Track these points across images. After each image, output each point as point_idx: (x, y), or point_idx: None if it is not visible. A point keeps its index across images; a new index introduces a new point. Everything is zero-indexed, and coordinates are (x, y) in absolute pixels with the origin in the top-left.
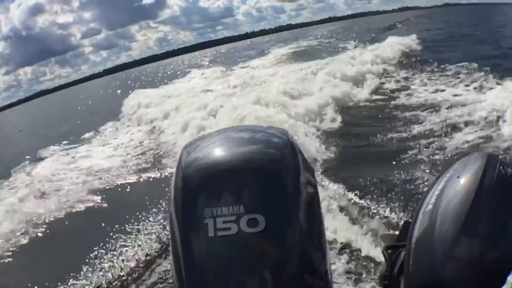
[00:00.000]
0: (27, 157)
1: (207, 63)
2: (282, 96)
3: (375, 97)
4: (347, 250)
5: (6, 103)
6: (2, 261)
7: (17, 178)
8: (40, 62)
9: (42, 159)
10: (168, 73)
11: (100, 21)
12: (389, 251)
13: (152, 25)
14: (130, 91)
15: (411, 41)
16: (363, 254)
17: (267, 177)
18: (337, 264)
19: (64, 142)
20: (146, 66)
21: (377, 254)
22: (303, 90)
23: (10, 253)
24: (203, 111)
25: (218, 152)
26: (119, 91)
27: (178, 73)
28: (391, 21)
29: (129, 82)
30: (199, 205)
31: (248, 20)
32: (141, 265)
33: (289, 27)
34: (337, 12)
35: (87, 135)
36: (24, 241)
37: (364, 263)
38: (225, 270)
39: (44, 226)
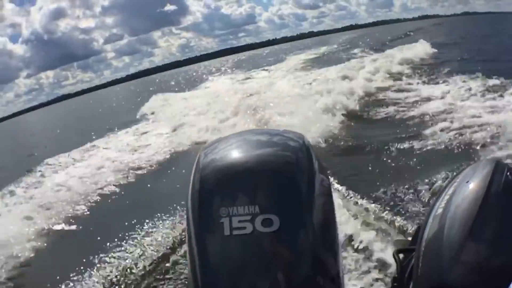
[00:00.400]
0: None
1: (225, 69)
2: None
3: (382, 101)
4: (359, 254)
5: (27, 106)
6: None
7: (44, 173)
8: (62, 66)
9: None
10: (187, 78)
11: (123, 26)
12: (400, 255)
13: (175, 32)
14: (152, 95)
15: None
16: (374, 257)
17: (282, 179)
18: (349, 267)
19: (87, 140)
20: (168, 72)
21: (389, 258)
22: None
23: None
24: (221, 114)
25: (235, 154)
26: (139, 98)
27: (197, 79)
28: (408, 29)
29: (151, 88)
30: (215, 205)
31: (270, 27)
32: (156, 262)
33: (311, 34)
34: (358, 20)
35: (108, 134)
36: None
37: (375, 267)
38: (239, 269)
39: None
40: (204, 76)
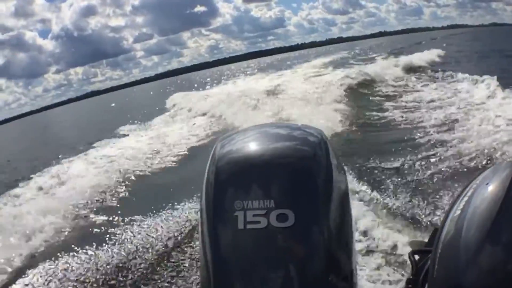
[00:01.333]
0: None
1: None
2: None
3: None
4: (374, 253)
5: (55, 101)
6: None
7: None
8: (91, 63)
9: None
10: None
11: (153, 26)
12: (415, 256)
13: (204, 33)
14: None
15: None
16: (389, 258)
17: (299, 174)
18: (363, 267)
19: (113, 132)
20: (196, 73)
21: (404, 258)
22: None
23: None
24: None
25: (252, 146)
26: (165, 95)
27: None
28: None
29: (172, 87)
30: (230, 198)
31: (299, 32)
32: (169, 252)
33: (339, 40)
34: (387, 27)
35: (132, 127)
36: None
37: (390, 267)
38: (251, 263)
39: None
40: (229, 75)
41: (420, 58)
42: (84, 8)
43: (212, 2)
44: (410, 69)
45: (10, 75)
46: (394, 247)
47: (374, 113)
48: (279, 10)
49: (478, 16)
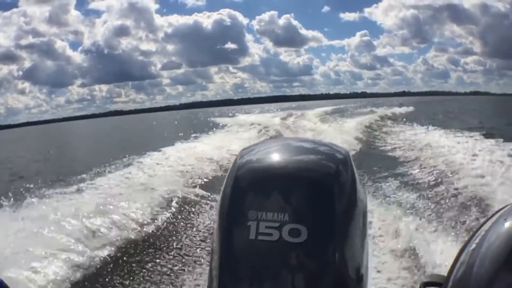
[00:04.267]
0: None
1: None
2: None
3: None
4: (389, 284)
5: (76, 114)
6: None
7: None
8: (117, 82)
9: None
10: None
11: (182, 56)
12: None
13: (231, 70)
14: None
15: None
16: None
17: (319, 189)
18: None
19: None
20: (219, 108)
21: None
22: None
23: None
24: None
25: (273, 157)
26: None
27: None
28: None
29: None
30: (245, 206)
31: (325, 81)
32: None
33: (363, 95)
34: (412, 88)
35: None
36: None
37: None
38: (258, 274)
39: None
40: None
41: None
42: (117, 27)
43: (243, 41)
44: None
45: (35, 80)
46: (408, 278)
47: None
48: (308, 58)
49: (504, 85)
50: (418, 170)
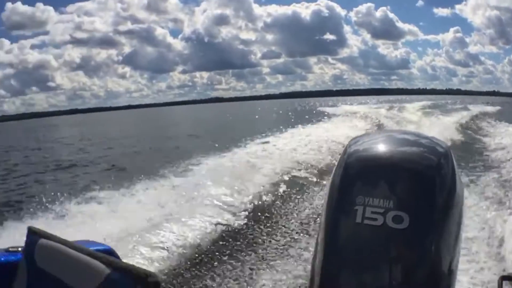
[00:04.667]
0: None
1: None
2: None
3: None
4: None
5: (177, 100)
6: None
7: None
8: (217, 70)
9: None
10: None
11: (281, 46)
12: (504, 281)
13: (330, 61)
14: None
15: None
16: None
17: (422, 180)
18: None
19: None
20: (318, 98)
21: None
22: None
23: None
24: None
25: (380, 147)
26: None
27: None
28: None
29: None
30: (354, 192)
31: (422, 76)
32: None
33: (457, 92)
34: (501, 87)
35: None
36: None
37: None
38: (362, 256)
39: None
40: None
41: None
42: (217, 16)
43: (341, 32)
44: None
45: (135, 65)
46: (481, 269)
47: None
48: (405, 51)
49: None
50: None
